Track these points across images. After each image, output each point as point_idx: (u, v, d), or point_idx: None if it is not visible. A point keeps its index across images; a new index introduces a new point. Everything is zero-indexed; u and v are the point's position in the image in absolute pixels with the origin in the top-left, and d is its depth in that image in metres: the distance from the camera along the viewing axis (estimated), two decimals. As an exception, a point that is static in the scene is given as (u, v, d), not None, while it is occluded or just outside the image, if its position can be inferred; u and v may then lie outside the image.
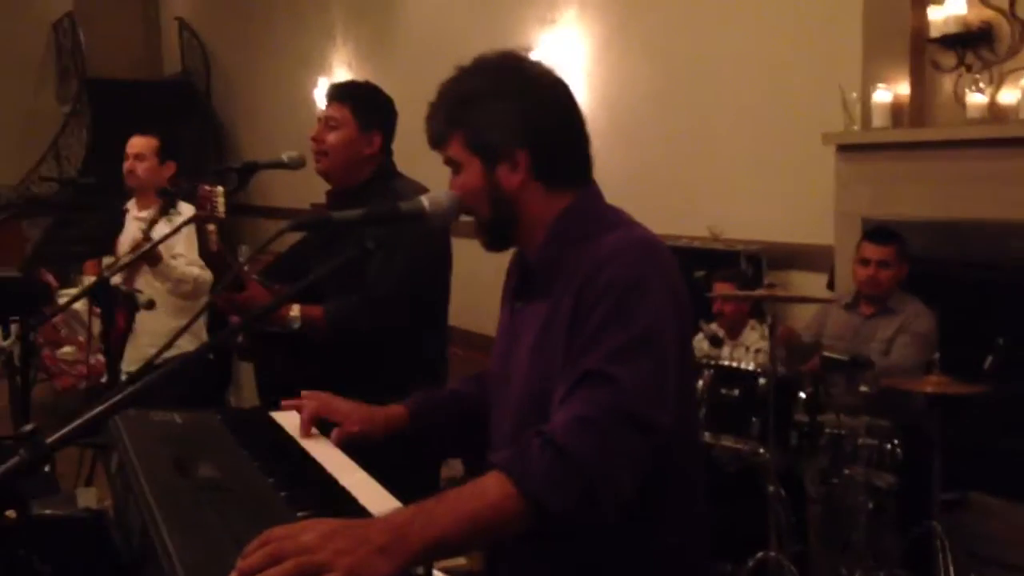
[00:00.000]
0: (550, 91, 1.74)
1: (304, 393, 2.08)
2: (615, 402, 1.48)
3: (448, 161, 1.75)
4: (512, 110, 1.69)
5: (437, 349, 3.02)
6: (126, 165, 4.48)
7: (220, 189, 2.70)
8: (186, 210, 3.84)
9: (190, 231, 3.48)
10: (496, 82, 1.72)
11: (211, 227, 2.81)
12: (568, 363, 1.56)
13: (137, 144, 4.48)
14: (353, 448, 1.93)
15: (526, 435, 1.46)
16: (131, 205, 4.66)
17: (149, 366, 4.12)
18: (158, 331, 4.16)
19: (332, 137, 2.96)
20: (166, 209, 3.61)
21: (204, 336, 4.42)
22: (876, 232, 4.43)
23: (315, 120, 3.06)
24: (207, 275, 4.10)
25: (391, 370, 2.79)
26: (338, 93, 3.05)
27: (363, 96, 3.04)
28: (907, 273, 4.35)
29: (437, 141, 1.76)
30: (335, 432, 1.96)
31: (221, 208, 2.71)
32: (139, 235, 4.15)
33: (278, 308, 2.68)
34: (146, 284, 4.25)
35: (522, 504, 1.39)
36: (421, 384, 2.22)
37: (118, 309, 3.81)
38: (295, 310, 2.79)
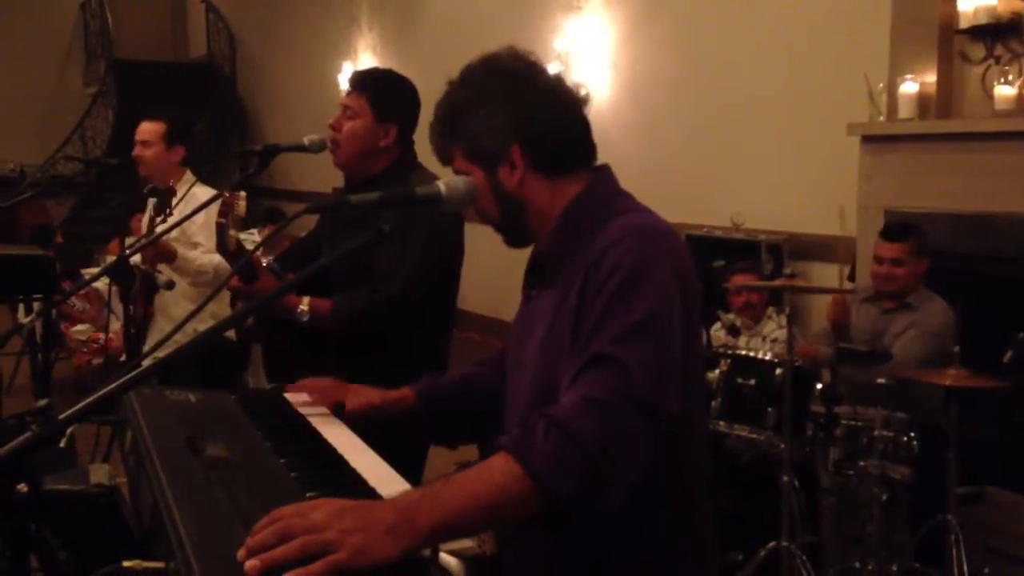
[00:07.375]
0: (530, 81, 1.75)
1: (307, 383, 2.17)
2: (620, 384, 1.47)
3: (457, 173, 1.78)
4: (496, 112, 1.72)
5: (443, 336, 3.00)
6: (134, 152, 4.41)
7: (243, 194, 2.71)
8: (202, 194, 3.86)
9: (209, 220, 3.48)
10: (478, 89, 1.75)
11: (232, 232, 2.83)
12: (575, 349, 1.55)
13: (144, 130, 4.41)
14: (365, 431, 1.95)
15: (532, 416, 1.46)
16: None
17: (159, 348, 4.17)
18: (178, 316, 4.17)
19: (347, 127, 2.91)
20: (161, 210, 3.60)
21: None
22: (889, 229, 4.37)
23: (339, 104, 3.03)
24: (226, 263, 4.12)
25: (397, 357, 2.78)
26: (358, 82, 2.99)
27: (383, 86, 2.96)
28: (927, 267, 4.25)
29: (443, 157, 1.81)
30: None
31: (242, 211, 2.72)
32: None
33: (282, 296, 2.69)
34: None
35: (527, 485, 1.39)
36: (427, 371, 2.21)
37: (138, 290, 3.84)
38: (305, 304, 2.77)
